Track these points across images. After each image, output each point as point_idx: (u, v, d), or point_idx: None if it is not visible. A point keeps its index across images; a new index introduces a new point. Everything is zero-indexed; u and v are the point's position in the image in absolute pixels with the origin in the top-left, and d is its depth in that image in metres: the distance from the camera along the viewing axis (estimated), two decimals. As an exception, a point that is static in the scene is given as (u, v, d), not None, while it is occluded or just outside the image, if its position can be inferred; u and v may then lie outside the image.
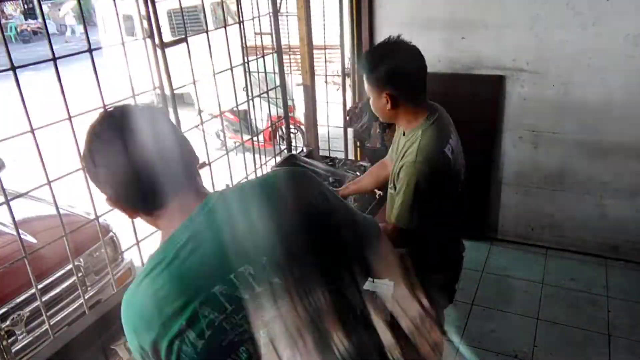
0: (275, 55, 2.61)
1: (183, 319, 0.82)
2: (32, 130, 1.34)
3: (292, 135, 2.96)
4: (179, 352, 0.82)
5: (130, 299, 0.88)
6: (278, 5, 2.54)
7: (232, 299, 0.84)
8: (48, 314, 1.65)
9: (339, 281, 0.93)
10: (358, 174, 2.48)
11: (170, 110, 1.86)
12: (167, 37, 1.85)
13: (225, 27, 2.12)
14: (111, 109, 0.94)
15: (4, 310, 2.29)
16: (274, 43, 2.56)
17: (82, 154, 0.91)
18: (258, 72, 2.78)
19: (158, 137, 0.88)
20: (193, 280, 0.84)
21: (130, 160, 0.84)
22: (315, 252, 0.91)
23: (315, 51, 2.82)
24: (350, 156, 3.35)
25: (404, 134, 1.72)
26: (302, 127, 4.40)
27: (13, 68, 1.28)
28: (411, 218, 1.61)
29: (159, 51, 1.76)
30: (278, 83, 2.70)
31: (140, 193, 0.88)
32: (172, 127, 0.95)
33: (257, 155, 2.51)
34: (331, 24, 3.19)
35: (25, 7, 20.31)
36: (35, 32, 18.25)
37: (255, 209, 0.90)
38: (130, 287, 0.88)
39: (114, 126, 0.87)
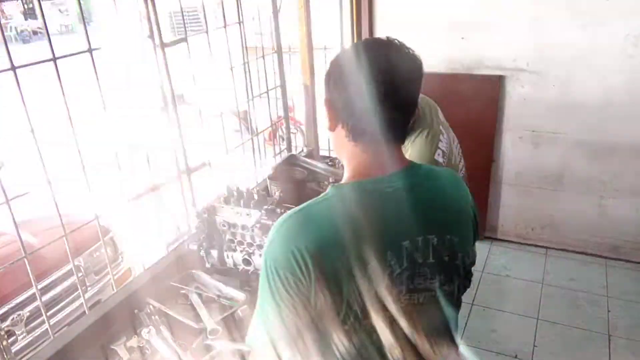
0: (275, 55, 2.61)
1: (372, 255, 0.84)
2: (32, 131, 1.34)
3: (292, 135, 2.96)
4: (353, 278, 0.83)
5: (328, 201, 0.89)
6: (278, 5, 2.54)
7: (410, 258, 0.88)
8: (48, 314, 1.65)
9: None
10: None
11: (170, 110, 1.86)
12: (167, 37, 1.85)
13: (225, 27, 2.12)
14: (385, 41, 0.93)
15: (4, 310, 2.28)
16: (274, 43, 2.56)
17: (333, 62, 0.93)
18: (258, 72, 2.78)
19: (409, 87, 0.90)
20: (391, 225, 0.88)
21: (383, 88, 0.86)
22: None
23: (315, 51, 2.82)
24: (350, 156, 3.35)
25: None
26: (302, 127, 4.39)
27: (13, 68, 1.28)
28: None
29: (159, 51, 1.76)
30: (278, 83, 2.70)
31: (370, 118, 0.88)
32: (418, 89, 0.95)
33: (257, 155, 2.52)
34: (331, 24, 3.19)
35: (25, 7, 20.30)
36: (35, 32, 18.25)
37: (459, 196, 1.00)
38: (324, 197, 0.90)
39: (378, 53, 0.89)
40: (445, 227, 0.93)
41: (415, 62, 0.91)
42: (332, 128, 0.94)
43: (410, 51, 0.91)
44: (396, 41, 0.92)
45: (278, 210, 1.65)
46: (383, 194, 0.88)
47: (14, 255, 1.42)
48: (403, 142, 0.96)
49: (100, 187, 1.60)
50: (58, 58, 1.38)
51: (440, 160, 1.70)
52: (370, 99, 0.86)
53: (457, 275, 0.98)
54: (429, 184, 0.95)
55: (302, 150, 2.92)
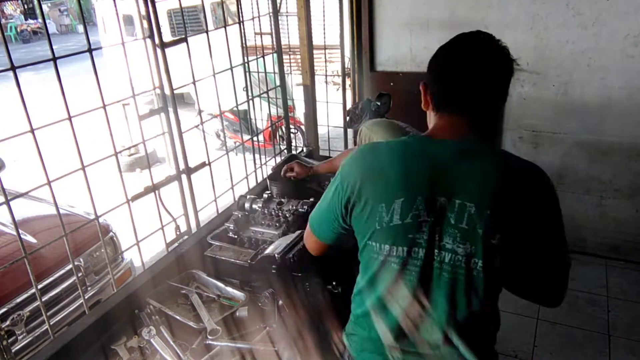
0: (275, 55, 2.61)
1: (400, 197, 1.07)
2: (32, 130, 1.34)
3: (292, 135, 2.96)
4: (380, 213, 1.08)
5: (382, 146, 1.18)
6: (278, 5, 2.54)
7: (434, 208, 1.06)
8: (48, 314, 1.65)
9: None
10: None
11: (170, 110, 1.86)
12: (167, 37, 1.85)
13: (225, 27, 2.12)
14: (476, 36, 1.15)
15: (4, 310, 2.28)
16: (274, 43, 2.56)
17: (435, 55, 1.22)
18: (258, 72, 2.78)
19: (486, 81, 1.11)
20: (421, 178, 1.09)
21: (460, 80, 1.12)
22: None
23: (315, 51, 2.82)
24: (350, 156, 3.34)
25: None
26: (302, 127, 4.39)
27: (13, 68, 1.28)
28: None
29: (159, 51, 1.76)
30: (278, 83, 2.70)
31: (448, 98, 1.14)
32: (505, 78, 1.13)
33: (257, 155, 2.52)
34: (331, 24, 3.19)
35: (25, 7, 20.31)
36: (35, 32, 18.26)
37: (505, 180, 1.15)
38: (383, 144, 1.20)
39: (471, 45, 1.14)
40: (465, 194, 1.06)
41: (500, 61, 1.10)
42: (425, 107, 1.20)
43: (503, 50, 1.10)
44: (489, 39, 1.12)
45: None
46: (429, 149, 1.12)
47: (14, 255, 1.42)
48: (473, 117, 1.15)
49: (101, 186, 1.60)
50: (58, 58, 1.38)
51: None
52: (451, 85, 1.13)
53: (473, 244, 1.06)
54: (475, 156, 1.13)
55: (302, 150, 2.92)
